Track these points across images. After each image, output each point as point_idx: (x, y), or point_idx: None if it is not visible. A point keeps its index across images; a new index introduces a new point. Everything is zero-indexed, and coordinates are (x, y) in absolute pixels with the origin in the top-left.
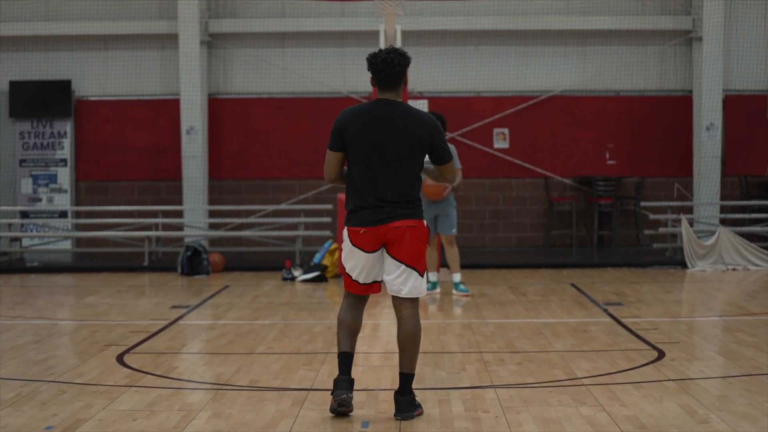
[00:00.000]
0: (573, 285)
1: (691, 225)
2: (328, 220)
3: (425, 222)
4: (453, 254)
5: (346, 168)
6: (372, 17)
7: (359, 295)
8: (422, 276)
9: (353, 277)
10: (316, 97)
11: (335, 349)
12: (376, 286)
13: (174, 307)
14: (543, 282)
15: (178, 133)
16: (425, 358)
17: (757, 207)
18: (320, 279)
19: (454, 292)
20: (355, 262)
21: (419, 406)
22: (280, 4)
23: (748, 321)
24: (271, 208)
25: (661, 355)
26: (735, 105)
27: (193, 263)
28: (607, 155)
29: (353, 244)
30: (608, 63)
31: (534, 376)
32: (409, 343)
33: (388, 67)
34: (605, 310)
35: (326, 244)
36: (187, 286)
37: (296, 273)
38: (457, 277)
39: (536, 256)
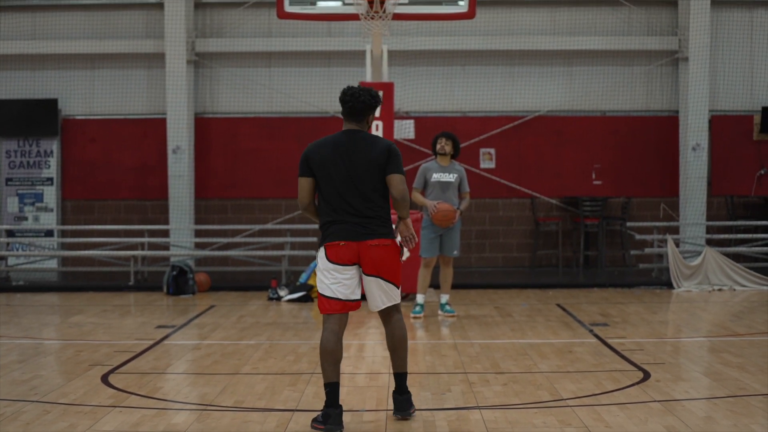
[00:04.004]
0: (559, 305)
1: (678, 245)
2: (314, 239)
3: (397, 240)
4: (448, 275)
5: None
6: (359, 37)
7: (339, 314)
8: (398, 287)
9: (332, 295)
10: (302, 116)
11: (320, 370)
12: (356, 303)
13: (159, 326)
14: (529, 302)
15: (164, 152)
16: (411, 379)
17: (743, 227)
18: (306, 299)
19: (440, 312)
20: (334, 277)
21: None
22: (266, 23)
23: (734, 342)
24: (257, 227)
25: (647, 376)
26: (721, 125)
27: (179, 283)
28: (594, 175)
29: (330, 261)
30: (595, 83)
31: (519, 397)
32: (399, 344)
33: (355, 101)
34: (591, 331)
35: (312, 264)
36: (172, 305)
37: (282, 293)
38: (444, 297)
39: (522, 276)
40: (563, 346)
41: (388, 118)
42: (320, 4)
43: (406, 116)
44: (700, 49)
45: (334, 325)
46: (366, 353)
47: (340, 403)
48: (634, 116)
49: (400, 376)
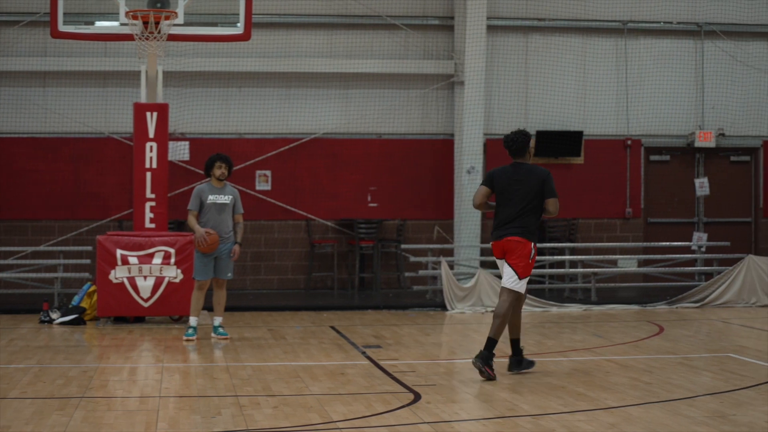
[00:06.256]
0: (333, 327)
1: (451, 267)
2: (87, 261)
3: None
4: (221, 297)
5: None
6: (134, 57)
7: None
8: (520, 278)
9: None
10: (78, 137)
11: (90, 393)
12: None
13: None
14: (303, 324)
15: None
16: (180, 402)
17: None
18: (78, 322)
19: (213, 335)
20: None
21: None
22: (42, 42)
23: (506, 363)
24: (29, 249)
25: (417, 397)
26: (496, 149)
27: None
28: (369, 198)
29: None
30: (371, 106)
31: (289, 419)
32: (495, 316)
33: (515, 143)
34: (363, 353)
35: (85, 287)
36: None
37: (54, 315)
38: (218, 320)
39: (297, 298)
40: (335, 368)
41: (163, 140)
42: (96, 24)
43: (181, 137)
44: (475, 73)
45: None
46: (138, 377)
47: None
48: (410, 139)
49: (490, 340)
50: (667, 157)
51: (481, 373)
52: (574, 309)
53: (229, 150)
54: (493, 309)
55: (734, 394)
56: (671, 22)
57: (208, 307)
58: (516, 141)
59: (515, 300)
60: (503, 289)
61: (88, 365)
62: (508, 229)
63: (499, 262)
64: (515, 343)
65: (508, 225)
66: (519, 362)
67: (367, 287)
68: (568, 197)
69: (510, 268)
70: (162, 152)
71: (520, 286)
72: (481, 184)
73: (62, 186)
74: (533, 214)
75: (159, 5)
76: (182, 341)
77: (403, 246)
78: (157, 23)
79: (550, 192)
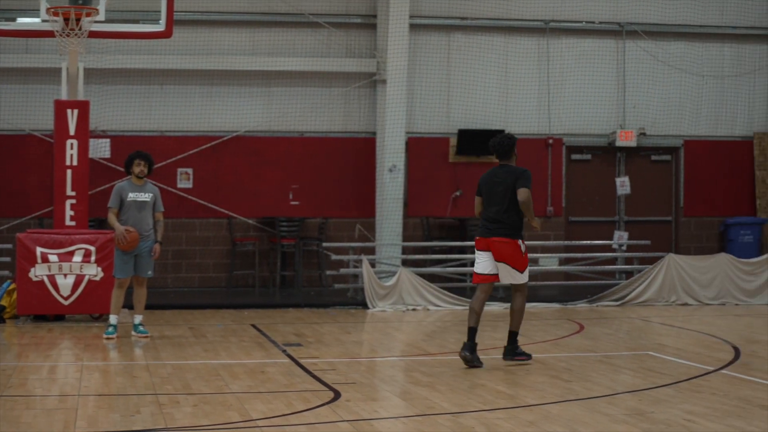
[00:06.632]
0: (254, 326)
1: (373, 266)
2: (7, 260)
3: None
4: (141, 296)
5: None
6: (56, 54)
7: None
8: (521, 272)
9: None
10: None
11: (8, 392)
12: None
13: None
14: (224, 323)
15: None
16: (100, 401)
17: (438, 248)
18: None
19: (133, 333)
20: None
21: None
22: None
23: (425, 361)
24: None
25: (337, 395)
26: (418, 147)
27: None
28: (291, 196)
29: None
30: (293, 104)
31: (209, 418)
32: (511, 311)
33: (501, 146)
34: (284, 351)
35: (5, 284)
36: None
37: None
38: (138, 318)
39: (218, 296)
40: (256, 366)
41: (83, 137)
42: (17, 20)
43: (102, 135)
44: (397, 71)
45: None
46: (58, 375)
47: None
48: (332, 137)
49: (511, 333)
50: (589, 156)
51: (518, 360)
52: (496, 307)
53: (151, 148)
54: (414, 307)
55: (653, 391)
56: (593, 22)
57: (129, 305)
58: (502, 144)
59: (526, 292)
60: (513, 287)
61: (7, 364)
62: (493, 230)
63: (480, 254)
64: (472, 331)
65: (494, 224)
66: (473, 348)
67: (288, 285)
68: None
69: (510, 268)
70: (83, 150)
71: (523, 278)
72: (476, 195)
73: None
74: (515, 212)
75: (80, 2)
76: (102, 339)
77: (324, 244)
78: (78, 20)
79: (521, 184)
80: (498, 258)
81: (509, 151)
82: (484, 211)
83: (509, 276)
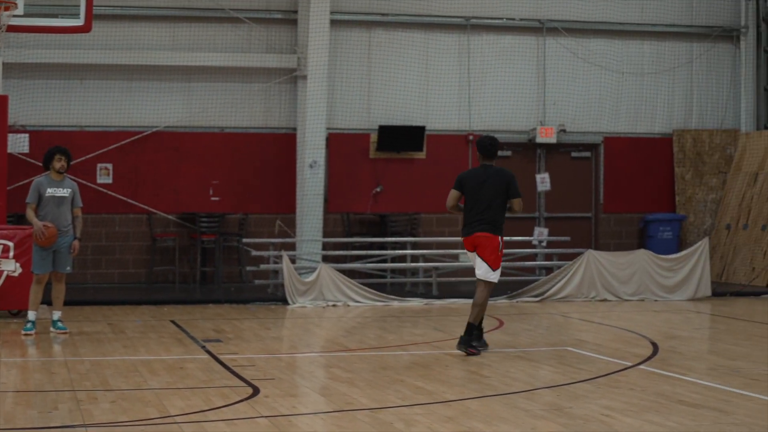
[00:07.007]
0: (173, 322)
1: (293, 262)
2: None
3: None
4: (60, 292)
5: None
6: None
7: None
8: (494, 270)
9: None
10: None
11: None
12: None
13: None
14: (143, 319)
15: None
16: (17, 397)
17: (359, 244)
18: None
19: (51, 329)
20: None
21: (479, 346)
22: None
23: (345, 357)
24: None
25: (256, 391)
26: (339, 143)
27: None
28: (211, 192)
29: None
30: (213, 99)
31: (127, 414)
32: (474, 303)
33: (490, 147)
34: (203, 347)
35: None
36: None
37: None
38: (57, 314)
39: (138, 292)
40: (174, 362)
41: (2, 132)
42: None
43: (21, 130)
44: (318, 67)
45: None
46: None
47: None
48: (252, 133)
49: (469, 325)
50: (509, 153)
51: (468, 354)
52: (416, 303)
53: (70, 143)
54: (335, 303)
55: (571, 387)
56: (514, 19)
57: (47, 301)
58: (492, 145)
59: (491, 289)
60: (479, 281)
61: None
62: (476, 226)
63: (470, 254)
64: (471, 326)
65: (477, 222)
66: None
67: (208, 281)
68: (411, 192)
69: (483, 262)
70: (1, 145)
71: (494, 277)
72: (452, 188)
73: None
74: (500, 211)
75: None
76: (21, 335)
77: (244, 240)
78: None
79: (515, 193)
80: (479, 252)
81: (495, 153)
82: (467, 208)
83: (482, 271)
